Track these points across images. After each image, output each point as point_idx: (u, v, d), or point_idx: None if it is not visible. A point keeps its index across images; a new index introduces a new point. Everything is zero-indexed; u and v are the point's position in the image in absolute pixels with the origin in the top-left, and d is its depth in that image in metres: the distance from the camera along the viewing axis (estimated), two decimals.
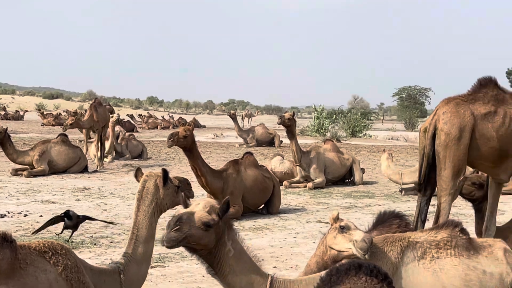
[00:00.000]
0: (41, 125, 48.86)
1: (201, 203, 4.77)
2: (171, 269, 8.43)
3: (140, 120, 56.09)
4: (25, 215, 11.79)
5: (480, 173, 8.53)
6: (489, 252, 5.22)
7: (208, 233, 4.66)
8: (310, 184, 16.68)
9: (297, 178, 17.16)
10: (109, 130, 21.53)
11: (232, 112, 37.83)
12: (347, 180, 18.06)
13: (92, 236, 10.21)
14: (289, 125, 16.51)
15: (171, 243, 4.56)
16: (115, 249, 9.33)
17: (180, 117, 64.69)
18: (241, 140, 33.25)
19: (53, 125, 46.94)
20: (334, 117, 43.77)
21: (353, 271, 3.82)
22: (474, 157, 7.08)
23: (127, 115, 57.88)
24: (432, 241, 5.12)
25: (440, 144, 6.99)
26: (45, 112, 59.08)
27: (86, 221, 11.15)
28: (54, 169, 18.46)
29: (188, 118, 59.39)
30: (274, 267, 8.52)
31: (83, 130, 22.39)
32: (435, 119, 7.09)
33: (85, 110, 24.03)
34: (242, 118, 59.21)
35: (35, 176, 17.71)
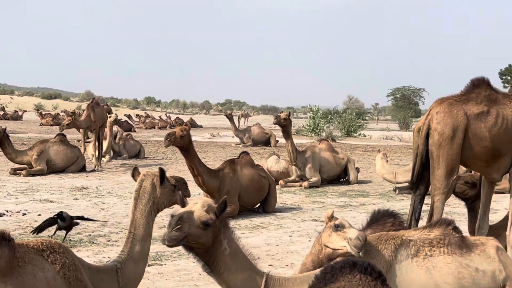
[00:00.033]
0: (40, 125, 48.79)
1: (199, 203, 4.77)
2: (168, 267, 8.43)
3: (138, 120, 56.03)
4: (24, 214, 11.78)
5: (473, 172, 8.54)
6: (481, 250, 5.23)
7: (206, 232, 4.66)
8: (305, 183, 16.69)
9: (292, 177, 17.17)
10: (107, 130, 21.51)
11: (228, 112, 37.83)
12: (342, 179, 18.07)
13: (90, 235, 10.20)
14: (285, 125, 16.53)
15: (172, 242, 4.56)
16: (112, 248, 9.32)
17: (177, 117, 64.69)
18: (237, 140, 33.25)
19: (51, 125, 46.86)
20: (329, 117, 43.80)
21: (348, 269, 3.83)
22: (467, 157, 7.09)
23: (125, 115, 57.91)
24: (426, 239, 5.13)
25: (434, 143, 7.00)
26: (43, 112, 59.06)
27: (82, 221, 11.20)
28: (52, 169, 18.44)
29: (185, 118, 59.37)
30: (270, 265, 8.52)
31: (81, 130, 22.36)
32: (429, 119, 7.10)
33: (83, 110, 23.96)
34: (239, 118, 59.16)
35: (33, 175, 17.70)
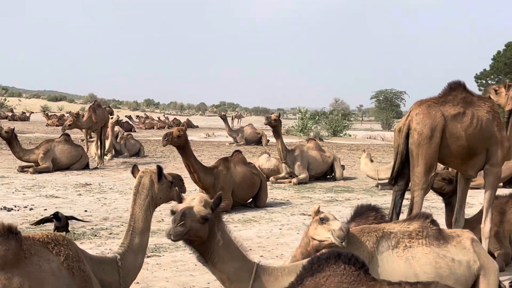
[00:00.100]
0: (46, 125, 48.61)
1: (196, 198, 4.77)
2: (166, 258, 8.41)
3: (138, 120, 55.91)
4: (31, 209, 11.74)
5: (450, 169, 8.56)
6: (457, 241, 5.24)
7: (204, 225, 4.67)
8: (294, 180, 16.70)
9: (282, 174, 17.17)
10: (109, 130, 21.47)
11: (223, 113, 37.81)
12: (328, 176, 18.09)
13: (92, 228, 10.17)
14: (275, 126, 16.54)
15: (177, 237, 4.57)
16: (114, 240, 9.30)
17: (175, 118, 64.64)
18: (231, 139, 33.24)
19: (57, 125, 46.66)
20: (317, 118, 43.86)
21: (333, 260, 3.84)
22: (445, 155, 7.10)
23: (126, 116, 57.84)
24: (405, 231, 5.14)
25: (413, 142, 7.01)
26: (49, 114, 58.81)
27: (86, 215, 11.19)
28: (57, 166, 18.39)
29: (182, 119, 59.33)
30: (261, 256, 8.52)
31: (83, 130, 22.30)
32: (409, 120, 7.10)
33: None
34: (232, 119, 59.16)
35: (40, 172, 17.64)
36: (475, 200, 12.91)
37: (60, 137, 19.25)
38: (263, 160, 17.59)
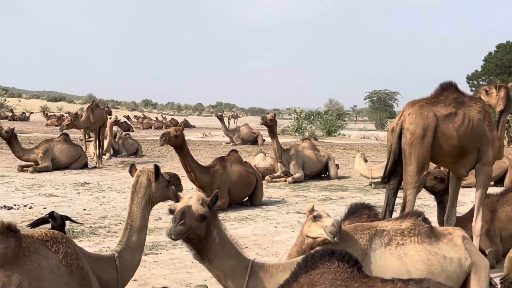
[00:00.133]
0: (45, 125, 48.53)
1: (193, 197, 4.77)
2: (163, 256, 8.41)
3: (136, 120, 55.88)
4: (30, 208, 11.71)
5: (442, 168, 8.58)
6: (449, 239, 5.25)
7: (202, 224, 4.68)
8: (289, 179, 16.71)
9: (278, 173, 17.17)
10: (107, 129, 21.43)
11: (219, 113, 37.77)
12: (323, 175, 18.09)
13: (91, 226, 10.15)
14: (271, 125, 16.53)
15: (178, 236, 4.57)
16: (112, 238, 9.28)
17: (172, 118, 64.57)
18: (227, 139, 33.22)
19: (56, 125, 46.54)
20: (311, 118, 43.92)
21: (327, 257, 3.84)
22: (437, 154, 7.11)
23: (124, 116, 57.74)
24: (398, 229, 5.15)
25: (406, 142, 7.01)
26: (49, 114, 58.72)
27: (85, 214, 11.17)
28: (57, 166, 18.35)
29: (180, 119, 59.24)
30: (257, 253, 8.52)
31: (81, 130, 22.26)
32: (402, 120, 7.11)
33: None
34: (229, 119, 59.12)
35: (39, 172, 17.60)
36: (467, 199, 12.93)
37: (59, 136, 19.20)
38: (259, 160, 17.57)
